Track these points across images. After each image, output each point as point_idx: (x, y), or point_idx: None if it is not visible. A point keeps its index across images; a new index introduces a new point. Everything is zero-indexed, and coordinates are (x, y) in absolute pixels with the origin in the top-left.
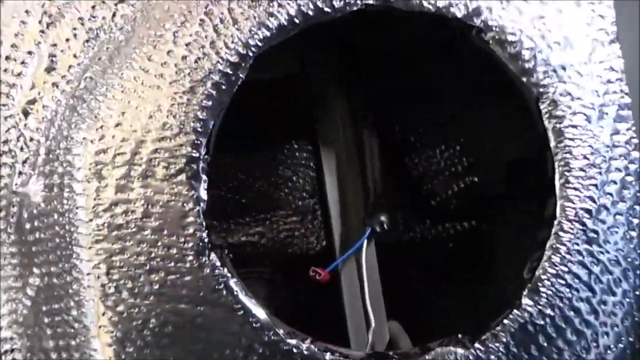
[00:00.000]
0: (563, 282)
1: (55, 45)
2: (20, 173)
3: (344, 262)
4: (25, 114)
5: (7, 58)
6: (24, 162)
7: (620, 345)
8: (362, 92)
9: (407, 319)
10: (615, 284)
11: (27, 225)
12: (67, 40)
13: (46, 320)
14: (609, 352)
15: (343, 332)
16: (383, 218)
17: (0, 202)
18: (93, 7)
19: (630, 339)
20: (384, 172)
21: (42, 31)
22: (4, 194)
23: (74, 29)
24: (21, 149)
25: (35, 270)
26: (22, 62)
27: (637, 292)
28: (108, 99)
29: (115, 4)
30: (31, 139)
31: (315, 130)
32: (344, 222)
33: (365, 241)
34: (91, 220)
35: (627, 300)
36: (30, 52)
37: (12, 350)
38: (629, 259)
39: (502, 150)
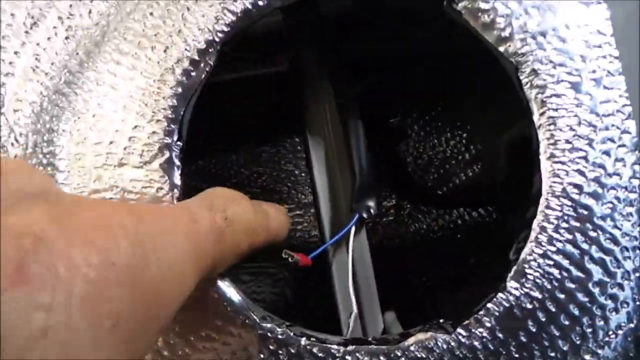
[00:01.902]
0: (551, 262)
1: (38, 44)
2: None
3: (337, 250)
4: (15, 111)
5: None
6: (15, 157)
7: (620, 332)
8: (350, 82)
9: (410, 310)
10: (613, 265)
11: None
12: (49, 38)
13: None
14: (607, 338)
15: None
16: (370, 203)
17: None
18: (71, 5)
19: (632, 325)
20: (371, 158)
21: (26, 32)
22: None
23: (55, 27)
24: (12, 144)
25: None
26: (10, 63)
27: (639, 274)
28: (85, 92)
29: (91, 1)
30: (20, 134)
31: (304, 120)
32: (333, 209)
33: (354, 227)
34: None
35: (627, 282)
36: (16, 52)
37: None
38: (628, 238)
39: (501, 134)
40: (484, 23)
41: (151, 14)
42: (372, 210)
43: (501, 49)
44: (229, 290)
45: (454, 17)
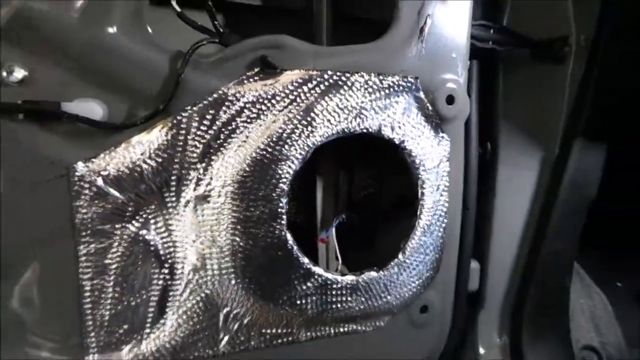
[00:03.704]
0: (416, 247)
1: None
2: None
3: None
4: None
5: None
6: None
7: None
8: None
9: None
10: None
11: None
12: None
13: None
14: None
15: None
16: (343, 216)
17: None
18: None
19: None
20: (347, 194)
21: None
22: None
23: None
24: None
25: None
26: None
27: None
28: None
29: None
30: None
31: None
32: (323, 216)
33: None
34: None
35: (429, 257)
36: None
37: None
38: (438, 246)
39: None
40: (412, 160)
41: None
42: (343, 219)
43: (415, 173)
44: (302, 256)
45: (403, 156)
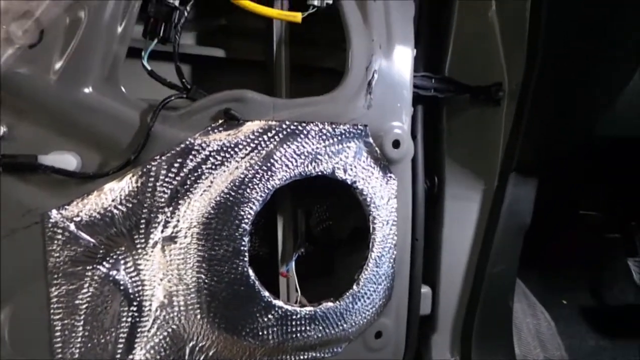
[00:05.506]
0: (369, 278)
1: None
2: None
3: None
4: None
5: None
6: None
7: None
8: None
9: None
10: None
11: None
12: None
13: None
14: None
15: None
16: (302, 250)
17: None
18: None
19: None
20: (306, 229)
21: None
22: None
23: None
24: None
25: None
26: None
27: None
28: None
29: None
30: None
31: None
32: (284, 249)
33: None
34: None
35: (382, 287)
36: None
37: None
38: (389, 275)
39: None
40: (362, 199)
41: None
42: (302, 253)
43: (365, 207)
44: (262, 289)
45: (354, 194)
